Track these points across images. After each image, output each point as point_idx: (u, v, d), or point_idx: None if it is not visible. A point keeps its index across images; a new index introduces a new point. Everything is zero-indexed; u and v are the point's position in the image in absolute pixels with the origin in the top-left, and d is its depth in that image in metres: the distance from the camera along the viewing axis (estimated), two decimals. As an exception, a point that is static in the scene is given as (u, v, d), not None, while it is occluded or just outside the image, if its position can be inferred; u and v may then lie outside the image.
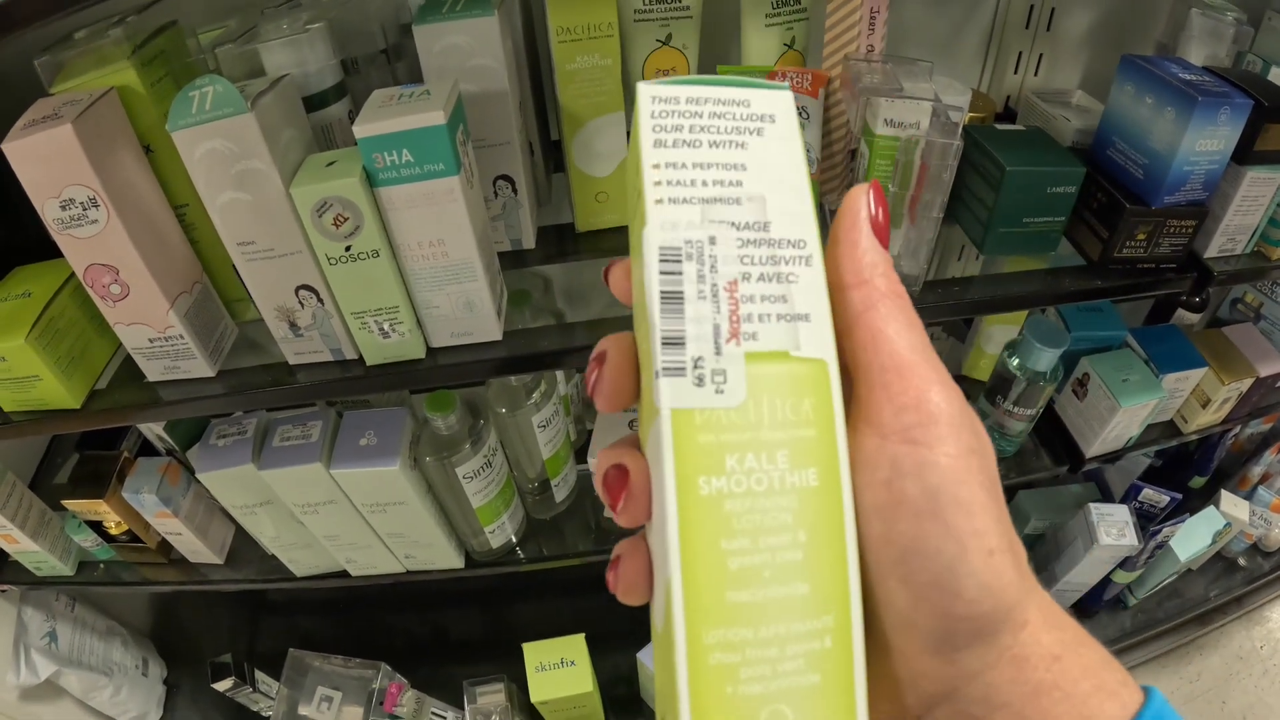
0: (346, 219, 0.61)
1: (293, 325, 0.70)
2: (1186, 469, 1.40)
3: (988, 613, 0.24)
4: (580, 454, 1.03)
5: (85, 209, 0.63)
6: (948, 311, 0.81)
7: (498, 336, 0.71)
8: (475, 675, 1.18)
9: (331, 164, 0.62)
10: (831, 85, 0.78)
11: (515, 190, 0.75)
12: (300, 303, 0.68)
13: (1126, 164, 0.81)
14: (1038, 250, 0.84)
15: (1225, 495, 1.33)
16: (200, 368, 0.74)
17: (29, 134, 0.59)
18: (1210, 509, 1.30)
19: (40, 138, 0.59)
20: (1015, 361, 1.00)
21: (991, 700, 0.26)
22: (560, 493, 1.01)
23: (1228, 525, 1.28)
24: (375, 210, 0.62)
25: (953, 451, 0.24)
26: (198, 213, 0.72)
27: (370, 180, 0.61)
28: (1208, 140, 0.74)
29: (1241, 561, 1.49)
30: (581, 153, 0.78)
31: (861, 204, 0.26)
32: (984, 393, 1.06)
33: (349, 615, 1.46)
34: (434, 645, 1.41)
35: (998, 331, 1.11)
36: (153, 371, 0.75)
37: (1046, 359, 0.98)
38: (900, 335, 0.25)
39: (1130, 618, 1.40)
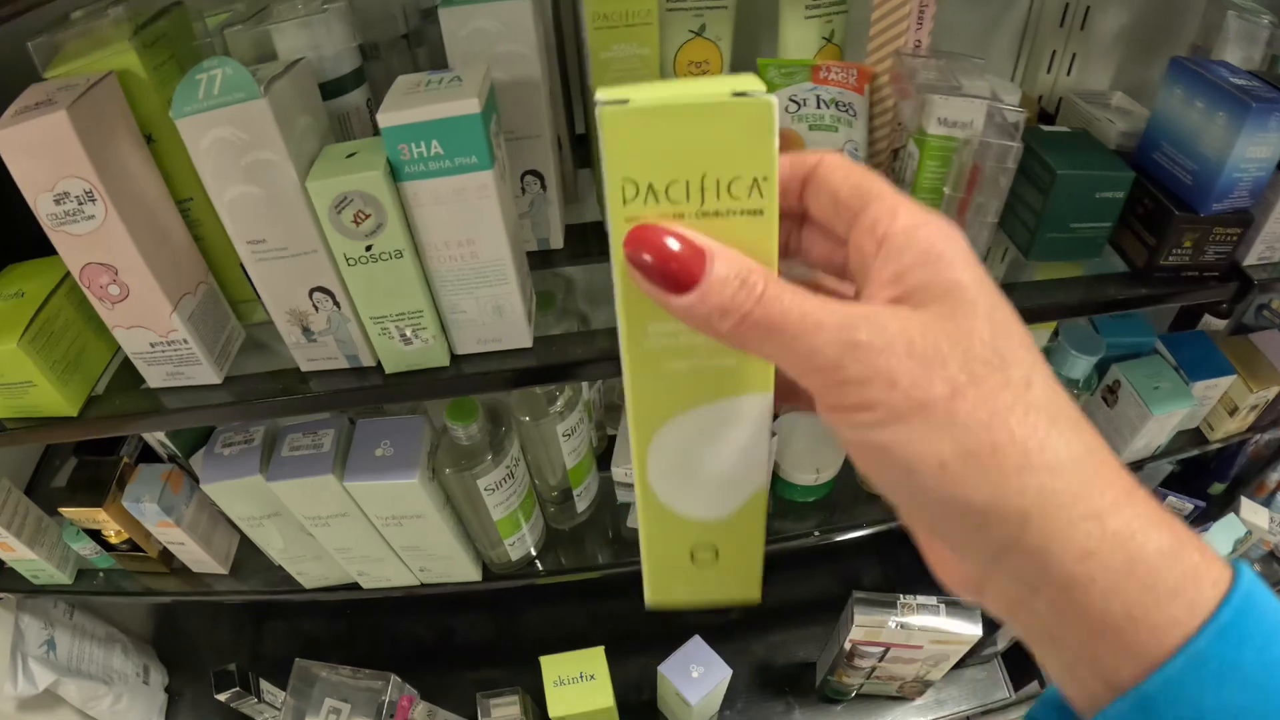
0: (368, 216, 0.54)
1: (306, 330, 0.62)
2: (1206, 476, 1.34)
3: (1018, 499, 0.24)
4: (603, 461, 0.95)
5: (81, 203, 0.56)
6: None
7: (528, 343, 0.64)
8: (488, 683, 1.11)
9: (352, 155, 0.55)
10: (877, 81, 0.71)
11: (544, 187, 0.68)
12: (315, 306, 0.60)
13: (1174, 169, 0.76)
14: (1082, 256, 0.78)
15: (1245, 503, 1.27)
16: (205, 374, 0.67)
17: (20, 122, 0.52)
18: (1230, 516, 1.24)
19: (32, 126, 0.52)
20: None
21: (1039, 556, 0.25)
22: (582, 502, 0.94)
23: (1248, 533, 1.23)
24: (399, 206, 0.54)
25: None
26: (203, 208, 0.64)
27: (395, 174, 0.53)
28: (1258, 147, 0.69)
29: (1258, 569, 1.43)
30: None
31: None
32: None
33: (357, 620, 1.38)
34: (445, 652, 1.34)
35: (1027, 337, 1.05)
36: (154, 378, 0.68)
37: (1082, 366, 0.92)
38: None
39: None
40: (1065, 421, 0.25)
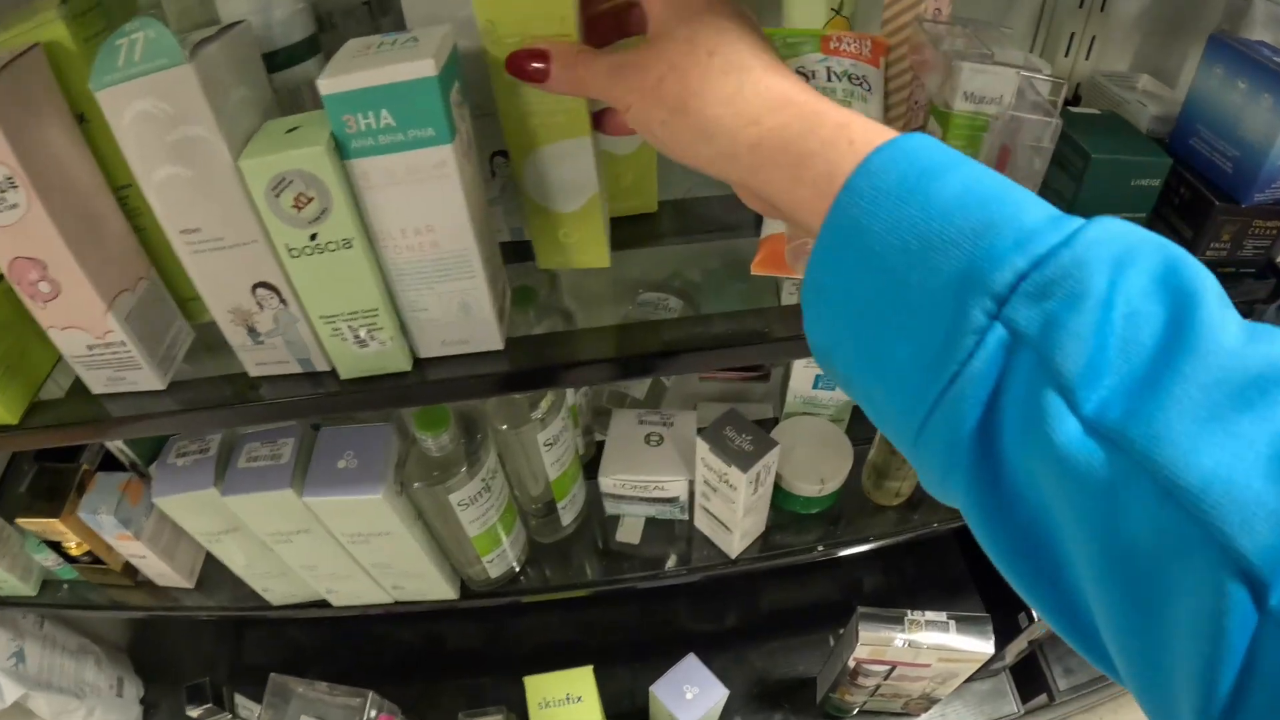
0: (310, 199, 0.45)
1: (252, 331, 0.54)
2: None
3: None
4: (590, 469, 0.87)
5: (2, 191, 0.48)
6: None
7: (499, 345, 0.55)
8: (473, 695, 1.03)
9: (293, 130, 0.46)
10: (893, 54, 0.62)
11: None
12: (259, 304, 0.52)
13: (1213, 156, 0.68)
14: None
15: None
16: (148, 379, 0.59)
17: (-69, 102, 0.44)
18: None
19: (-56, 106, 0.44)
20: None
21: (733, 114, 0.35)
22: (567, 515, 0.85)
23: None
24: (347, 188, 0.46)
25: None
26: (142, 194, 0.56)
27: (340, 150, 0.45)
28: None
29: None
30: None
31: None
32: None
33: (339, 629, 1.29)
34: (429, 662, 1.25)
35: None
36: (95, 383, 0.60)
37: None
38: None
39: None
40: (737, 73, 0.35)
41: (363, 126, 0.44)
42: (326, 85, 0.43)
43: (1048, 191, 0.68)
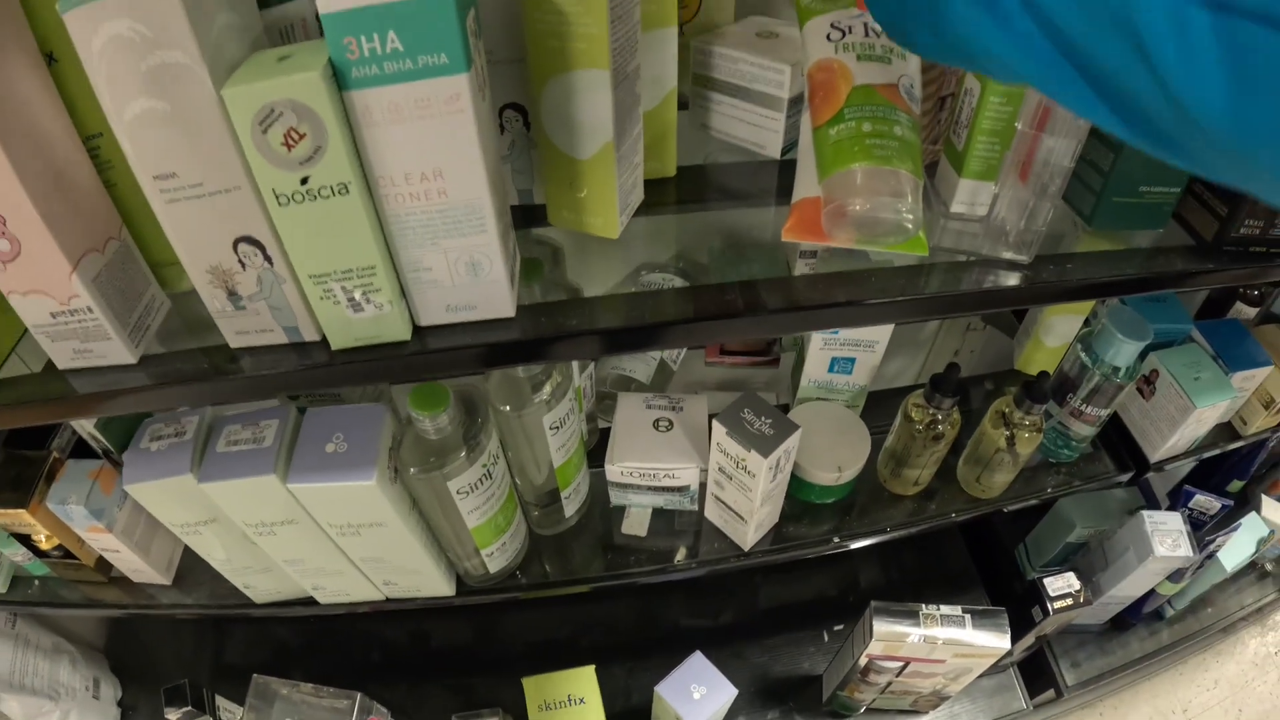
0: (302, 136, 0.39)
1: (232, 295, 0.47)
2: (1225, 474, 1.21)
3: None
4: (594, 457, 0.80)
5: (-41, 138, 0.41)
6: (1055, 293, 0.61)
7: (510, 312, 0.49)
8: (465, 695, 0.96)
9: (285, 59, 0.39)
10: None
11: (528, 125, 0.53)
12: (241, 262, 0.45)
13: None
14: (1147, 225, 0.65)
15: (1266, 501, 1.14)
16: (117, 351, 0.52)
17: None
18: (1253, 516, 1.11)
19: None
20: (1089, 355, 0.80)
21: None
22: (570, 506, 0.78)
23: (1272, 532, 1.10)
24: (344, 123, 0.39)
25: None
26: (115, 144, 0.49)
27: (339, 79, 0.38)
28: None
29: (1269, 567, 1.31)
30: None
31: None
32: (1050, 389, 0.85)
33: (325, 626, 1.21)
34: (419, 660, 1.17)
35: (1060, 322, 0.91)
36: (60, 356, 0.53)
37: (1127, 353, 0.78)
38: None
39: (1168, 630, 1.21)
40: None
41: (366, 51, 0.37)
42: (326, 3, 0.36)
43: (1081, 163, 0.63)
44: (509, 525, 0.72)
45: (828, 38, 0.53)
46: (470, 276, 0.46)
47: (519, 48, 0.49)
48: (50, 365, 0.54)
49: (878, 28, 0.54)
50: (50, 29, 0.46)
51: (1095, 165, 0.63)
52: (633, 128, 0.52)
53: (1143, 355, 0.90)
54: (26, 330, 0.56)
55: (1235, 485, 1.21)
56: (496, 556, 0.73)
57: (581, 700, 0.84)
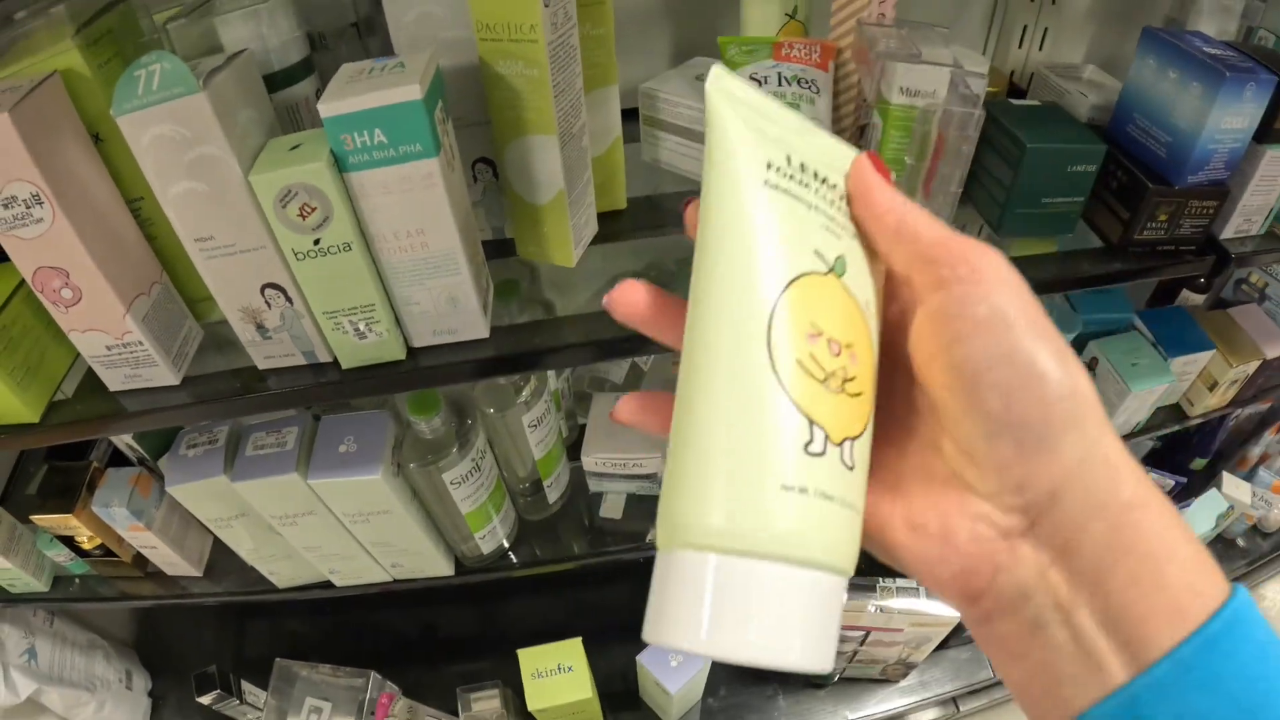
0: (314, 209, 0.53)
1: (260, 327, 0.61)
2: (1187, 451, 1.34)
3: (1074, 392, 0.26)
4: (573, 451, 0.95)
5: (29, 207, 0.55)
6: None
7: (484, 334, 0.63)
8: (469, 678, 1.10)
9: (295, 148, 0.54)
10: (841, 56, 0.70)
11: (497, 174, 0.67)
12: (267, 303, 0.59)
13: (1148, 142, 0.75)
14: (1054, 232, 0.78)
15: (1227, 477, 1.27)
16: (163, 375, 0.66)
17: (-36, 127, 0.51)
18: (1213, 491, 1.24)
19: (-25, 130, 0.51)
20: (1025, 347, 0.93)
21: (1091, 501, 0.26)
22: (553, 493, 0.93)
23: (1230, 508, 1.23)
24: (345, 198, 0.54)
25: (1007, 285, 0.27)
26: (154, 206, 0.63)
27: (339, 164, 0.53)
28: (1233, 117, 0.69)
29: (1241, 543, 1.43)
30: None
31: (864, 162, 0.30)
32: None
33: (337, 618, 1.38)
34: (426, 647, 1.33)
35: (1003, 316, 1.04)
36: (113, 381, 0.67)
37: (1057, 344, 0.91)
38: (934, 223, 0.28)
39: (1134, 603, 1.34)
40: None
41: (358, 144, 0.51)
42: (326, 109, 0.50)
43: (989, 179, 0.76)
44: (498, 511, 0.87)
45: (747, 89, 0.67)
46: (450, 307, 0.60)
47: (486, 113, 0.63)
48: (85, 386, 0.69)
49: (789, 75, 0.68)
50: (96, 115, 0.59)
51: (999, 180, 0.75)
52: (582, 174, 0.66)
53: (1083, 344, 1.03)
54: (74, 360, 0.71)
55: (1198, 463, 1.34)
56: (488, 539, 0.88)
57: (570, 668, 0.99)
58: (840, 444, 0.27)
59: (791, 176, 0.28)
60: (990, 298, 0.27)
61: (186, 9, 0.63)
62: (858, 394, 0.28)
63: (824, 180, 0.29)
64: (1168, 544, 0.26)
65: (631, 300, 0.31)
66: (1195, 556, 0.26)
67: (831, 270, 0.28)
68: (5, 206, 0.55)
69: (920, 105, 0.63)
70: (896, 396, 0.32)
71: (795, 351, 0.26)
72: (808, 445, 0.26)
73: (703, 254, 0.28)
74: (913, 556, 0.29)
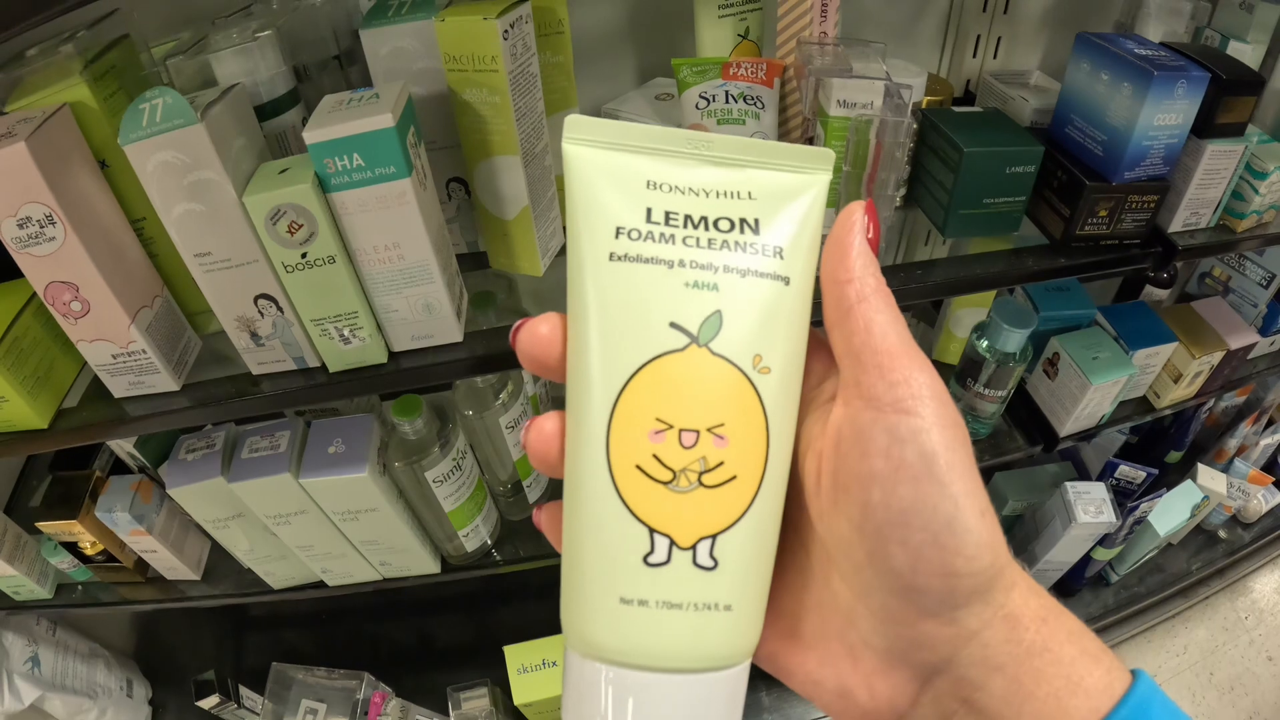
0: (301, 226, 0.62)
1: (254, 335, 0.70)
2: (1163, 444, 1.42)
3: (985, 568, 0.26)
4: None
5: (42, 227, 0.63)
6: (913, 295, 0.82)
7: (459, 338, 0.72)
8: (459, 680, 1.18)
9: (284, 171, 0.62)
10: (787, 74, 0.79)
11: (469, 192, 0.76)
12: (260, 312, 0.68)
13: (1085, 141, 0.82)
14: (999, 231, 0.84)
15: (1202, 469, 1.35)
16: (165, 382, 0.75)
17: (-18, 154, 0.59)
18: (1188, 483, 1.31)
19: (-5, 157, 0.59)
20: (984, 344, 1.01)
21: (989, 662, 0.27)
22: (533, 493, 1.01)
23: (1205, 498, 1.30)
24: (329, 216, 0.62)
25: (942, 421, 0.26)
26: (155, 226, 0.71)
27: (322, 186, 0.61)
28: (1166, 115, 0.75)
29: (1222, 534, 1.50)
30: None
31: (858, 214, 0.29)
32: (954, 375, 1.07)
33: (332, 626, 1.46)
34: (417, 652, 1.42)
35: (966, 314, 1.12)
36: (118, 388, 0.76)
37: (1015, 340, 0.99)
38: (890, 325, 0.27)
39: (1113, 594, 1.41)
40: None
41: (339, 167, 0.60)
42: (310, 136, 0.59)
43: (933, 183, 0.84)
44: (480, 510, 0.95)
45: (696, 106, 0.76)
46: (426, 314, 0.69)
47: (456, 136, 0.72)
48: (89, 394, 0.77)
49: (736, 93, 0.77)
50: (102, 142, 0.68)
51: (942, 184, 0.82)
52: (546, 191, 0.75)
53: (1044, 340, 1.11)
54: (80, 369, 0.79)
55: (1173, 456, 1.42)
56: (472, 537, 0.96)
57: (554, 663, 1.07)
58: (693, 546, 0.26)
59: (650, 235, 0.27)
60: (921, 437, 0.26)
61: (183, 46, 0.71)
62: (725, 480, 0.27)
63: (702, 220, 0.28)
64: (1072, 680, 0.27)
65: (532, 341, 0.30)
66: (1104, 679, 0.27)
67: (694, 341, 0.27)
68: (20, 226, 0.63)
69: (854, 116, 0.72)
70: (790, 500, 0.30)
71: (635, 455, 0.26)
72: (647, 556, 0.26)
73: (567, 344, 0.29)
74: (820, 706, 0.30)
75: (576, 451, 0.27)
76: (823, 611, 0.30)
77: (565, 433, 0.28)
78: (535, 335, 0.29)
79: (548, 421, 0.29)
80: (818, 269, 0.29)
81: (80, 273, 0.66)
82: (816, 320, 0.29)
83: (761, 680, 1.29)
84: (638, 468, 0.26)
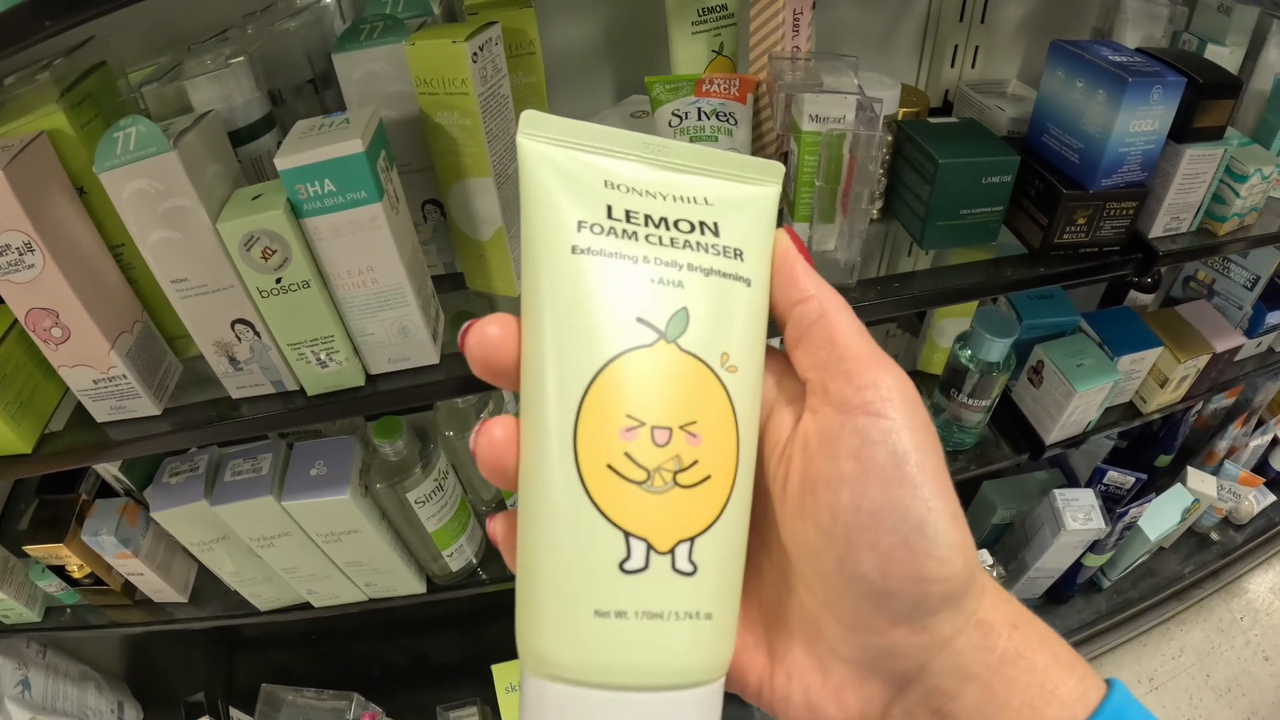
0: (275, 251, 0.62)
1: (232, 360, 0.71)
2: (1152, 449, 1.42)
3: (958, 573, 0.26)
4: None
5: (21, 254, 0.64)
6: (892, 307, 0.82)
7: (435, 360, 0.72)
8: (449, 700, 1.18)
9: (257, 197, 0.63)
10: (760, 89, 0.79)
11: (444, 214, 0.76)
12: (237, 337, 0.69)
13: (1062, 149, 0.82)
14: (977, 241, 0.85)
15: (1191, 472, 1.35)
16: (145, 406, 0.75)
17: (-40, 183, 0.59)
18: (1177, 486, 1.32)
19: (-29, 187, 0.59)
20: (967, 353, 1.02)
21: (961, 671, 0.27)
22: (520, 511, 1.02)
23: (1195, 501, 1.30)
24: (302, 241, 0.63)
25: (912, 423, 0.26)
26: (134, 252, 0.71)
27: (295, 211, 0.62)
28: (1141, 120, 0.75)
29: (1214, 536, 1.51)
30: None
31: (785, 241, 0.29)
32: (939, 386, 1.08)
33: (321, 646, 1.46)
34: (407, 671, 1.42)
35: (950, 325, 1.13)
36: (100, 413, 0.76)
37: (998, 349, 0.99)
38: (854, 334, 0.27)
39: (1105, 600, 1.42)
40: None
41: (311, 193, 0.61)
42: (282, 162, 0.60)
43: (910, 195, 0.85)
44: (464, 530, 0.95)
45: (669, 123, 0.77)
46: (402, 337, 0.70)
47: (430, 159, 0.72)
48: (73, 419, 0.78)
49: (709, 109, 0.77)
50: (79, 170, 0.68)
51: (919, 196, 0.82)
52: (519, 212, 0.75)
53: (1028, 348, 1.12)
54: (63, 395, 0.80)
55: (1163, 460, 1.42)
56: (456, 556, 0.97)
57: (543, 680, 1.07)
58: (671, 550, 0.25)
59: (612, 231, 0.27)
60: (892, 438, 0.25)
61: (159, 73, 0.72)
62: (700, 480, 0.26)
63: (663, 220, 0.27)
64: (1045, 689, 0.26)
65: (481, 343, 0.28)
66: (1078, 687, 0.27)
67: (662, 336, 0.26)
68: (0, 254, 0.63)
69: (825, 130, 0.73)
70: (757, 510, 0.29)
71: (606, 455, 0.25)
72: (624, 563, 0.24)
73: (522, 343, 0.27)
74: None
75: (538, 453, 0.25)
76: (788, 623, 0.29)
77: (520, 437, 0.26)
78: (484, 337, 0.28)
79: (498, 426, 0.27)
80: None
81: (60, 299, 0.67)
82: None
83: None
84: (609, 467, 0.24)
